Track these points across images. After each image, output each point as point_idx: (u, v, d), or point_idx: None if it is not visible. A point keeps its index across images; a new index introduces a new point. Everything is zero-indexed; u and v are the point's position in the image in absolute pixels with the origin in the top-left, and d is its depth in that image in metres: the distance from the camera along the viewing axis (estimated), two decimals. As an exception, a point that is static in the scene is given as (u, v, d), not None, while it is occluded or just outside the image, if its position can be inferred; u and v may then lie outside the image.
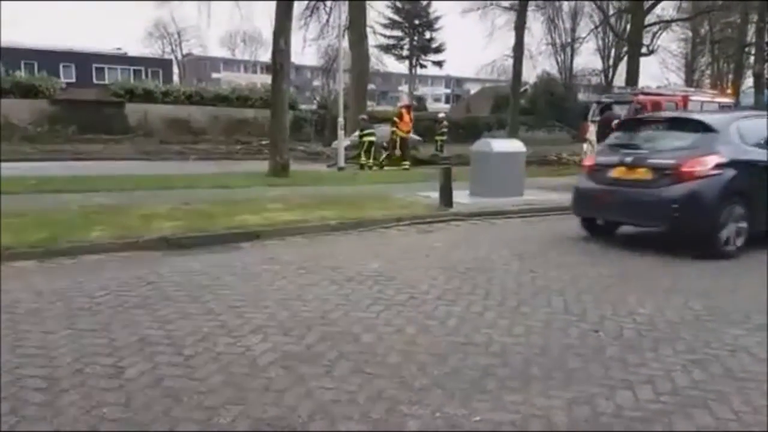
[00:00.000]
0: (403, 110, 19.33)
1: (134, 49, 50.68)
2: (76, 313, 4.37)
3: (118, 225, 7.19)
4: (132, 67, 43.46)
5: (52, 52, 39.86)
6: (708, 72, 48.02)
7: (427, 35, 59.65)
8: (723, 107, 24.32)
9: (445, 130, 23.74)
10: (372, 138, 17.82)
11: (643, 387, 3.30)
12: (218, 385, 3.23)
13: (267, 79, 16.26)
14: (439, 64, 62.13)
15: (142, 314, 4.35)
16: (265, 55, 23.34)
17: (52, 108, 25.72)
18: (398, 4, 53.08)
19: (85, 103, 27.30)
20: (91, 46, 44.92)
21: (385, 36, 53.04)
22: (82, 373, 3.34)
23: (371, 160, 17.68)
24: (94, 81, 39.70)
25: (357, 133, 18.39)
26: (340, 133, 18.09)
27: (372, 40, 32.15)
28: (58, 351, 3.64)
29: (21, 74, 28.43)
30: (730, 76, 38.95)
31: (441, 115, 27.09)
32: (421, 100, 53.76)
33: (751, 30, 27.97)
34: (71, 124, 24.86)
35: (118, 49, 46.37)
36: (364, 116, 19.64)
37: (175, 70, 55.78)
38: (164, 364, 3.49)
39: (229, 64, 69.65)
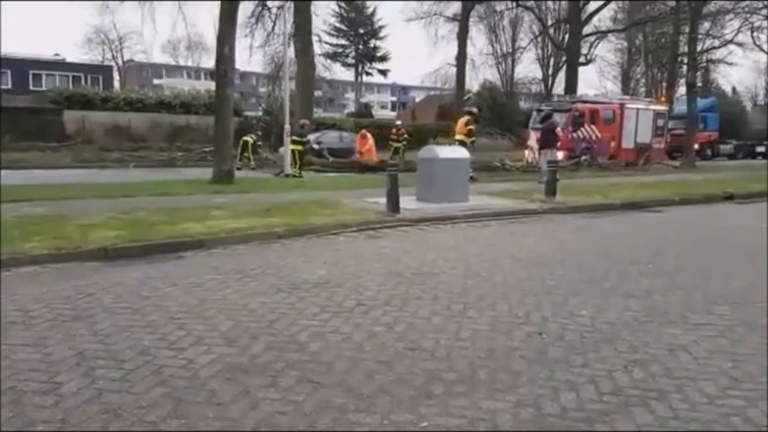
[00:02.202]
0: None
1: (73, 56, 49.02)
2: (9, 327, 4.17)
3: (55, 235, 6.90)
4: (71, 74, 42.00)
5: (-14, 58, 38.03)
6: (643, 81, 50.31)
7: (372, 44, 60.14)
8: (658, 115, 25.55)
9: (406, 136, 24.16)
10: (299, 147, 17.70)
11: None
12: (159, 400, 3.14)
13: (211, 85, 15.99)
14: (383, 72, 62.74)
15: (79, 327, 4.19)
16: (209, 62, 23.05)
17: (-14, 115, 24.44)
18: (343, 12, 53.26)
19: (21, 110, 26.11)
20: (28, 52, 43.20)
21: (330, 44, 53.27)
22: (15, 390, 3.19)
23: (296, 168, 17.43)
24: (31, 87, 38.17)
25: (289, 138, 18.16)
26: (286, 139, 17.95)
27: (318, 48, 32.18)
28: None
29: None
30: (665, 85, 40.86)
31: (398, 122, 27.42)
32: (367, 107, 54.00)
33: (684, 40, 29.41)
34: (7, 131, 23.71)
35: (56, 55, 44.70)
36: (306, 121, 19.67)
37: (116, 76, 54.13)
38: (103, 378, 3.37)
39: (172, 70, 68.09)
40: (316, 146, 22.19)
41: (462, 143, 15.09)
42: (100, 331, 4.14)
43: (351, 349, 3.90)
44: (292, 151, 17.57)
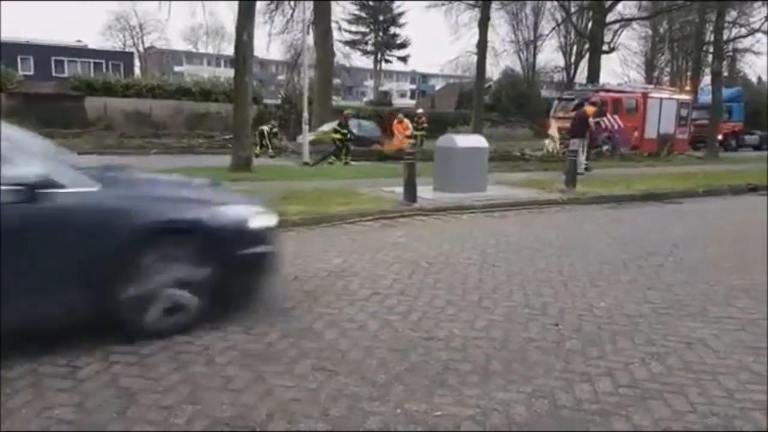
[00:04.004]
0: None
1: (95, 42, 49.50)
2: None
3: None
4: (92, 60, 42.48)
5: (10, 44, 38.50)
6: (667, 69, 49.39)
7: (392, 31, 59.77)
8: (682, 104, 25.08)
9: (425, 125, 24.20)
10: (338, 136, 18.08)
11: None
12: (175, 385, 3.17)
13: (230, 73, 16.01)
14: (403, 59, 62.33)
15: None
16: (229, 49, 23.08)
17: (9, 101, 24.85)
18: (363, -1, 53.03)
19: (43, 96, 26.48)
20: (50, 38, 43.73)
21: (350, 32, 53.01)
22: (36, 373, 3.25)
23: (345, 157, 17.98)
24: (54, 74, 38.66)
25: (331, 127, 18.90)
26: (305, 127, 18.00)
27: (337, 36, 32.05)
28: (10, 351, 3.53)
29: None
30: (689, 74, 40.04)
31: (420, 110, 27.41)
32: (387, 95, 53.82)
33: (710, 28, 28.76)
34: (29, 117, 24.07)
35: (78, 41, 45.15)
36: (348, 112, 20.33)
37: (137, 63, 54.58)
38: (120, 363, 3.41)
39: (192, 57, 68.39)
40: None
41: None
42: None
43: (365, 337, 3.91)
44: (334, 140, 18.09)
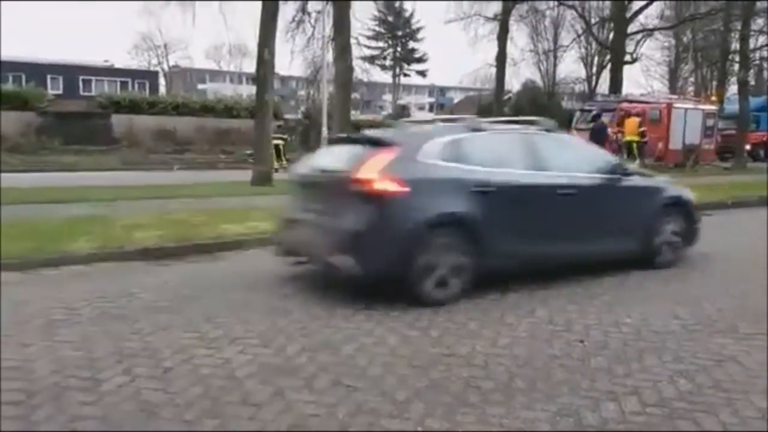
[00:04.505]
0: None
1: (121, 62, 50.60)
2: (56, 324, 4.30)
3: (101, 235, 7.10)
4: (119, 79, 43.36)
5: (40, 65, 39.68)
6: (692, 79, 48.67)
7: (411, 45, 60.12)
8: (708, 115, 24.68)
9: None
10: None
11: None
12: (196, 399, 3.18)
13: (252, 89, 16.26)
14: (422, 73, 62.58)
15: (121, 326, 4.29)
16: (251, 67, 23.43)
17: (40, 119, 25.49)
18: (382, 16, 53.44)
19: (71, 114, 27.09)
20: (78, 58, 44.82)
21: (369, 47, 53.38)
22: (59, 386, 3.28)
23: None
24: (81, 93, 39.57)
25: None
26: (324, 143, 18.11)
27: (356, 51, 32.22)
28: (35, 363, 3.58)
29: (9, 86, 28.17)
30: (714, 83, 39.44)
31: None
32: (405, 108, 53.98)
33: (735, 37, 28.36)
34: (58, 135, 24.66)
35: (106, 61, 46.23)
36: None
37: (162, 81, 55.65)
38: (142, 376, 3.43)
39: (215, 75, 69.52)
40: None
41: (636, 144, 17.22)
42: (140, 329, 4.22)
43: (384, 353, 3.87)
44: None
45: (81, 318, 4.47)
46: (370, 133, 6.76)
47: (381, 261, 4.89)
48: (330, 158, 5.90)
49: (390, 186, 4.93)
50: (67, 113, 26.92)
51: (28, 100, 25.92)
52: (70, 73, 41.60)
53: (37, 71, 38.07)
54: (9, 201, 9.65)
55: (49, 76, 39.66)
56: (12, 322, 4.33)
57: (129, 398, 3.17)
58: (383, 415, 3.04)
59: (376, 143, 5.38)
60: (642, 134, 17.96)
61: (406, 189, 4.95)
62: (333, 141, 6.78)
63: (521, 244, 5.46)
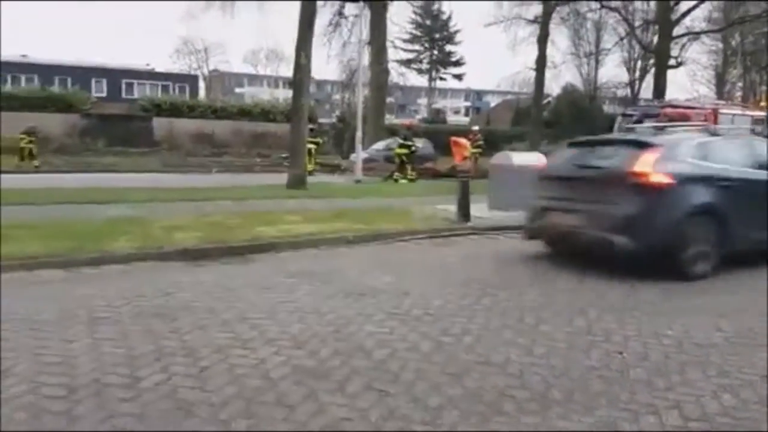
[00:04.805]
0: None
1: (162, 65, 51.82)
2: (97, 322, 4.41)
3: (140, 236, 7.29)
4: (160, 83, 44.45)
5: (84, 68, 40.96)
6: (740, 84, 47.17)
7: (447, 49, 59.86)
8: (756, 121, 23.87)
9: (481, 143, 23.77)
10: (404, 151, 17.72)
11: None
12: (231, 398, 3.22)
13: (289, 93, 16.47)
14: (458, 77, 62.24)
15: (159, 324, 4.37)
16: (287, 71, 23.68)
17: (83, 122, 26.31)
18: (419, 19, 53.41)
19: (114, 117, 27.90)
20: (121, 62, 46.09)
21: (405, 50, 53.39)
22: (99, 382, 3.36)
23: (408, 173, 17.57)
24: (124, 96, 40.70)
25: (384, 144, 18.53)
26: (358, 146, 18.18)
27: (392, 55, 32.36)
28: (77, 360, 3.67)
29: (55, 89, 29.16)
30: (764, 88, 38.18)
31: (475, 128, 27.01)
32: (440, 113, 53.76)
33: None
34: (101, 137, 25.42)
35: (147, 65, 47.42)
36: (411, 121, 19.89)
37: (201, 85, 56.77)
38: (179, 375, 3.49)
39: (253, 79, 70.61)
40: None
41: None
42: (178, 328, 4.30)
43: (417, 359, 3.85)
44: (398, 155, 17.73)
45: (121, 316, 4.57)
46: (625, 137, 8.07)
47: (652, 240, 6.03)
48: (584, 158, 7.07)
49: (662, 178, 6.16)
50: (110, 116, 27.75)
51: (73, 103, 26.77)
52: (113, 76, 42.84)
53: (81, 74, 39.31)
54: (52, 201, 9.98)
55: (93, 80, 40.90)
56: (55, 318, 4.46)
57: (166, 396, 3.23)
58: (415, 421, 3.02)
59: (640, 145, 6.63)
60: None
61: (673, 181, 6.18)
62: (572, 144, 7.77)
63: (751, 231, 6.54)
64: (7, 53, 36.51)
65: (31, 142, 19.79)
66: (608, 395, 3.36)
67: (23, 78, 36.53)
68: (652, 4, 33.93)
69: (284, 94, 43.70)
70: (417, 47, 58.55)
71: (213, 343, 4.01)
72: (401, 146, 17.87)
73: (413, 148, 18.33)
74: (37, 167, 19.35)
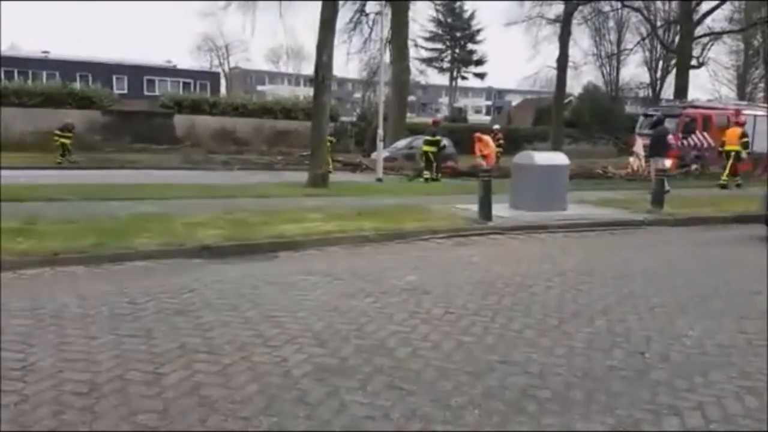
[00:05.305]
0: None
1: (184, 62, 52.29)
2: (120, 318, 4.47)
3: (163, 233, 7.35)
4: (181, 80, 44.80)
5: (106, 65, 41.45)
6: (762, 85, 46.29)
7: (469, 47, 59.57)
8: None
9: (501, 142, 23.60)
10: (432, 149, 17.36)
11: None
12: (253, 396, 3.24)
13: (310, 91, 16.51)
14: (480, 75, 61.92)
15: (182, 321, 4.42)
16: (309, 69, 23.78)
17: (105, 118, 26.63)
18: (440, 17, 53.20)
19: (136, 113, 28.18)
20: (142, 58, 46.56)
21: (426, 49, 53.29)
22: (122, 379, 3.40)
23: (433, 173, 17.16)
24: (145, 92, 41.11)
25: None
26: (379, 144, 18.15)
27: (413, 53, 32.35)
28: (100, 356, 3.72)
29: (76, 85, 29.51)
30: (787, 89, 37.42)
31: (496, 127, 26.82)
32: (461, 111, 53.56)
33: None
34: (122, 134, 25.72)
35: (168, 62, 47.85)
36: (438, 118, 19.50)
37: (223, 82, 57.17)
38: (202, 372, 3.52)
39: (274, 77, 71.01)
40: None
41: (737, 154, 16.71)
42: (201, 325, 4.34)
43: (439, 358, 3.84)
44: (425, 153, 17.41)
45: (144, 312, 4.62)
46: None
47: None
48: None
49: None
50: (132, 112, 28.01)
51: (96, 100, 27.10)
52: (135, 73, 43.18)
53: (103, 71, 39.77)
54: (76, 197, 10.13)
55: (114, 76, 41.35)
56: (78, 315, 4.52)
57: (188, 393, 3.25)
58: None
59: None
60: (745, 145, 17.06)
61: None
62: None
63: None
64: (28, 49, 37.04)
65: (68, 138, 20.25)
66: (630, 395, 3.32)
67: (44, 74, 37.04)
68: (674, 3, 33.49)
69: (305, 92, 43.88)
70: (438, 45, 58.41)
71: (235, 340, 4.04)
72: (428, 143, 17.43)
73: (442, 144, 17.93)
74: (74, 162, 19.79)
